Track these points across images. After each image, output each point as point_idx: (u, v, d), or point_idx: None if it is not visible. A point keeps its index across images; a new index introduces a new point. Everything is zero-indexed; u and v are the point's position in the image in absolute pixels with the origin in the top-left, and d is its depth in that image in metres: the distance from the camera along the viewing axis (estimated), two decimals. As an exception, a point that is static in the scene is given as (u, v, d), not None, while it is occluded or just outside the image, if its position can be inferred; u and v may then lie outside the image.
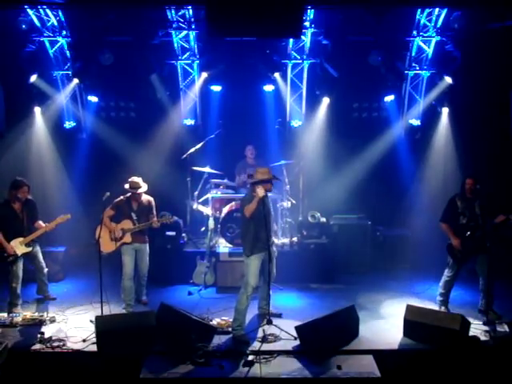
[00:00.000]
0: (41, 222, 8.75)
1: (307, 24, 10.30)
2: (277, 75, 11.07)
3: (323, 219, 10.61)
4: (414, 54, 10.93)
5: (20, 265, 8.62)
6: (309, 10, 10.06)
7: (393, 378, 6.83)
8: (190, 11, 10.22)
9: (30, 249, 8.66)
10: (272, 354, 7.12)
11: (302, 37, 10.47)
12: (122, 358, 7.03)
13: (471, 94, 10.70)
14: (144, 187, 8.78)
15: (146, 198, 8.88)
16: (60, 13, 10.27)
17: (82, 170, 11.45)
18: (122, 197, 8.80)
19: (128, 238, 8.68)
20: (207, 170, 10.82)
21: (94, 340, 7.32)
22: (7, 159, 10.66)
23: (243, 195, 8.31)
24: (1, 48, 10.03)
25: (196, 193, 10.88)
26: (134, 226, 8.67)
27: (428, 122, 11.45)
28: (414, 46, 10.82)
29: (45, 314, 8.29)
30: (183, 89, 11.50)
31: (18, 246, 8.54)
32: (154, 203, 8.94)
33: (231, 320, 7.75)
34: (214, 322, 7.85)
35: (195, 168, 10.83)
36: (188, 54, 11.08)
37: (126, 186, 8.71)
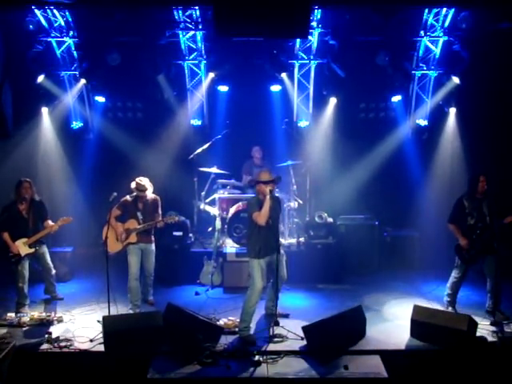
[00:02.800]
0: (50, 222, 8.77)
1: (314, 24, 10.27)
2: (284, 75, 11.04)
3: (330, 219, 10.59)
4: (421, 54, 10.88)
5: (25, 265, 8.65)
6: (316, 10, 10.06)
7: (400, 378, 6.83)
8: (197, 11, 10.21)
9: (32, 250, 8.66)
10: (279, 354, 7.13)
11: (309, 37, 10.43)
12: (129, 358, 7.05)
13: (479, 94, 10.68)
14: (150, 189, 8.79)
15: (151, 197, 8.88)
16: (67, 13, 10.26)
17: (89, 170, 11.46)
18: (128, 196, 8.80)
19: (133, 238, 8.68)
20: (214, 170, 10.82)
21: (102, 340, 7.35)
22: (15, 159, 10.68)
23: (251, 195, 8.29)
24: (8, 48, 10.07)
25: (203, 193, 10.89)
26: (139, 226, 8.67)
27: (435, 122, 11.39)
28: (421, 46, 10.77)
29: (52, 314, 8.33)
30: (190, 89, 11.49)
31: (22, 247, 8.57)
32: (159, 202, 8.93)
33: (238, 320, 7.75)
34: (221, 323, 7.85)
35: (202, 168, 10.84)
36: (195, 54, 11.07)
37: (133, 185, 8.71)
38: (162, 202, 8.99)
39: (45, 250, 8.97)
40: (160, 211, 8.93)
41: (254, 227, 7.68)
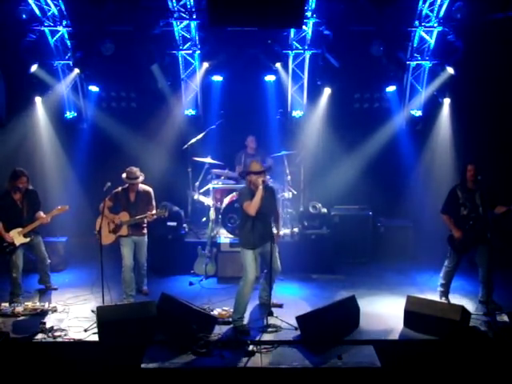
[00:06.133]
0: (41, 213, 8.72)
1: (309, 14, 10.23)
2: (278, 65, 11.03)
3: (324, 210, 10.60)
4: (415, 44, 10.85)
5: (19, 255, 8.62)
6: (310, 0, 10.03)
7: (393, 368, 6.85)
8: (191, 1, 10.16)
9: (27, 239, 8.62)
10: (272, 344, 7.15)
11: (304, 27, 10.40)
12: (123, 348, 7.06)
13: (473, 84, 10.69)
14: (141, 178, 8.74)
15: (143, 188, 8.81)
16: (60, 2, 10.20)
17: (82, 160, 11.42)
18: (119, 188, 8.76)
19: (124, 231, 8.65)
20: (208, 160, 10.81)
21: (96, 330, 7.35)
22: (8, 149, 10.64)
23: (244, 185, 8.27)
24: (1, 38, 10.01)
25: (197, 183, 10.86)
26: (130, 219, 8.63)
27: (429, 112, 11.40)
28: (415, 36, 10.73)
29: (46, 304, 8.31)
30: (184, 79, 11.44)
31: (16, 236, 8.52)
32: (152, 194, 8.87)
33: (232, 310, 7.77)
34: (215, 312, 7.88)
35: (196, 158, 10.82)
36: (189, 44, 11.00)
37: (124, 175, 8.66)
38: (155, 192, 8.94)
39: (39, 239, 8.93)
40: (154, 203, 8.87)
41: (246, 217, 7.66)
